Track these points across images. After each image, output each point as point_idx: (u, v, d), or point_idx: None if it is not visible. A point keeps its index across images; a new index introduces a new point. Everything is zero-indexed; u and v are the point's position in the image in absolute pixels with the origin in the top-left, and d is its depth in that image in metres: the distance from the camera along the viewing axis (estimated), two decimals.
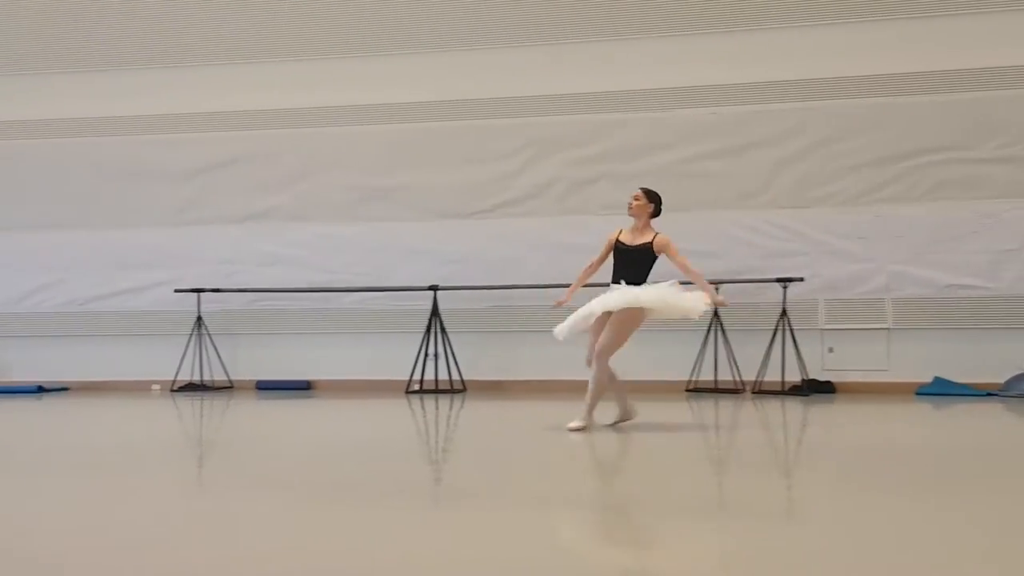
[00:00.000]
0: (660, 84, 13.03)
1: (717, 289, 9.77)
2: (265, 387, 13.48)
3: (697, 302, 8.44)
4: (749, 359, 12.33)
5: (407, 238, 13.43)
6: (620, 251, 8.57)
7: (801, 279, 12.27)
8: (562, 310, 8.90)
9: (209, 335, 13.50)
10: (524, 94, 13.35)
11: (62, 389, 13.91)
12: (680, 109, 12.98)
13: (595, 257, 8.81)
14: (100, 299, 14.04)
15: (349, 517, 5.16)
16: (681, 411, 10.69)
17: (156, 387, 13.69)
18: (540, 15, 13.30)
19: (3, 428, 10.19)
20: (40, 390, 13.74)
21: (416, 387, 12.68)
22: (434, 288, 12.89)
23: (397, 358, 13.00)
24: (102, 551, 4.52)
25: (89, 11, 14.15)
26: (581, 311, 8.48)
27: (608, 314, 8.36)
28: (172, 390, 13.41)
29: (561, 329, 8.64)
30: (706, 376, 12.45)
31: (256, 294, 13.65)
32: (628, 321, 8.34)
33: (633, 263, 8.48)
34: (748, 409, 10.69)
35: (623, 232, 8.66)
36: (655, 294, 8.34)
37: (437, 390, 12.62)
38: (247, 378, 13.67)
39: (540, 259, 13.05)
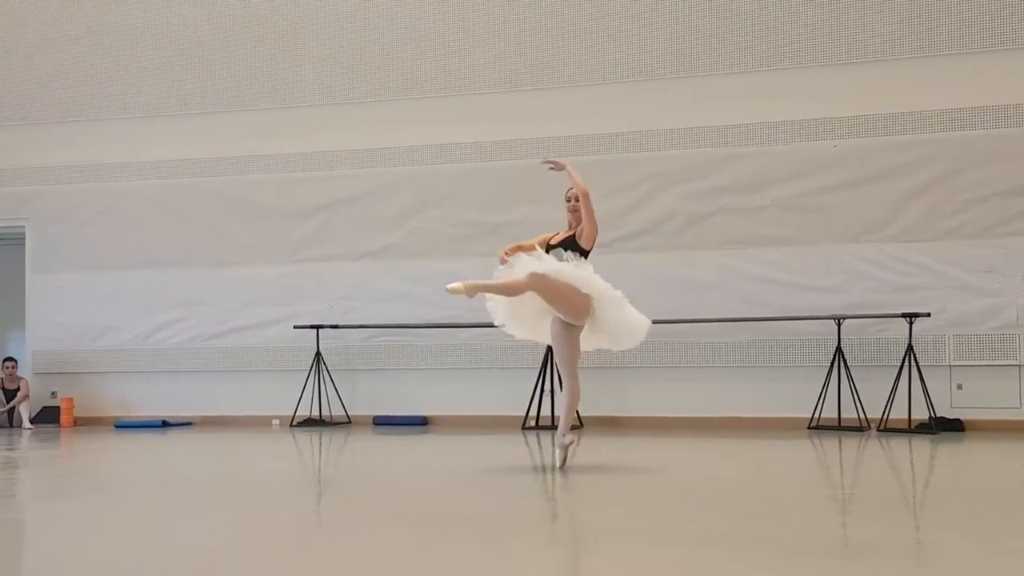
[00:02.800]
0: (779, 117, 12.84)
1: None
2: (382, 422, 13.54)
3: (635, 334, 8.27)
4: (874, 396, 11.99)
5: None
6: (549, 249, 8.30)
7: (927, 314, 11.90)
8: None
9: (327, 371, 13.63)
10: (639, 128, 13.26)
11: (186, 424, 14.16)
12: (800, 142, 12.76)
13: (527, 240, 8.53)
14: (222, 335, 14.30)
15: (468, 552, 5.09)
16: (804, 449, 10.42)
17: (276, 422, 13.86)
18: (657, 51, 13.22)
19: (129, 462, 10.40)
20: (164, 425, 14.01)
21: (532, 423, 12.60)
22: None
23: (513, 394, 12.96)
24: None
25: (211, 55, 14.50)
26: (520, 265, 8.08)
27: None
28: (291, 425, 13.55)
29: (497, 310, 8.48)
30: (829, 413, 12.13)
31: (373, 330, 13.75)
32: (573, 321, 8.15)
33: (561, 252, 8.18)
34: (874, 447, 10.37)
35: (555, 236, 8.40)
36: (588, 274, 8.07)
37: (554, 426, 12.50)
38: (364, 413, 13.75)
39: (655, 295, 12.88)
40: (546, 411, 12.64)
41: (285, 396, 13.69)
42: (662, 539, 5.45)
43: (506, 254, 8.28)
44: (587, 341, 8.44)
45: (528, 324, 8.47)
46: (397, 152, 13.93)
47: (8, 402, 14.50)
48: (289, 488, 7.99)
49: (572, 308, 8.08)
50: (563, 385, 8.30)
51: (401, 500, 7.05)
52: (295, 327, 13.77)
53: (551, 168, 8.54)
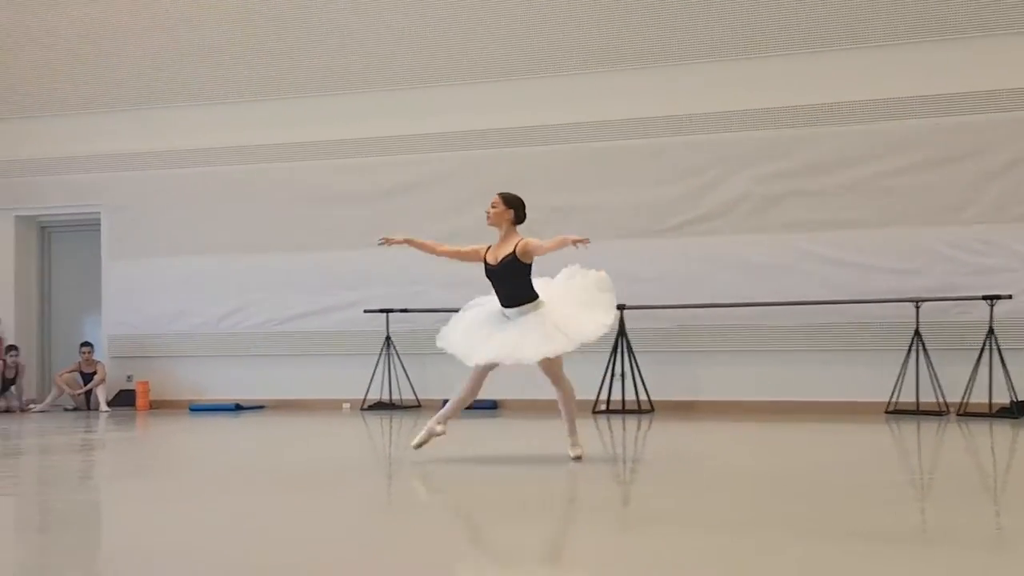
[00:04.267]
0: (854, 97, 12.58)
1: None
2: None
3: (596, 325, 7.80)
4: (953, 380, 11.72)
5: (602, 257, 13.25)
6: (489, 273, 7.75)
7: (1009, 296, 11.61)
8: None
9: (398, 354, 13.65)
10: (712, 110, 13.08)
11: (258, 407, 14.28)
12: (877, 122, 12.50)
13: (456, 247, 8.25)
14: (293, 319, 14.37)
15: (534, 536, 5.03)
16: (881, 434, 10.22)
17: (346, 406, 13.91)
18: (731, 32, 13.02)
19: (203, 444, 10.49)
20: (237, 408, 14.13)
21: (603, 407, 12.51)
22: (620, 307, 12.70)
23: (584, 377, 12.83)
24: (297, 567, 4.51)
25: (289, 41, 14.54)
26: (468, 342, 7.93)
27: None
28: (362, 408, 13.60)
29: (448, 339, 8.23)
30: (907, 397, 11.89)
31: (443, 314, 13.71)
32: (551, 363, 7.76)
33: (507, 283, 7.64)
34: (953, 432, 10.14)
35: (490, 249, 7.82)
36: (539, 341, 7.54)
37: (624, 410, 12.42)
38: (434, 397, 13.73)
39: (728, 278, 12.76)
40: (617, 395, 12.53)
41: (355, 380, 13.74)
42: (735, 524, 5.35)
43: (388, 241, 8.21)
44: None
45: (485, 344, 7.99)
46: (470, 136, 13.88)
47: (85, 386, 14.72)
48: (359, 471, 7.99)
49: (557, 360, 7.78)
50: (558, 390, 7.93)
51: (468, 484, 7.00)
52: (365, 311, 13.80)
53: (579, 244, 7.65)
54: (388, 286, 13.96)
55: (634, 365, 12.57)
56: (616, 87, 13.37)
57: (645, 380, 12.58)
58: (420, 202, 13.96)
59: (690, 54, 13.15)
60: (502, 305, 7.68)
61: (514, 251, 7.57)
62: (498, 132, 13.77)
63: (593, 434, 10.47)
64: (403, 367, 13.68)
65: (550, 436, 10.62)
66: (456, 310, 13.43)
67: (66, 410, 14.69)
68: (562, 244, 7.49)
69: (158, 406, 14.61)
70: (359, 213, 14.18)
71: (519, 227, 7.82)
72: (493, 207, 7.82)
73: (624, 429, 10.88)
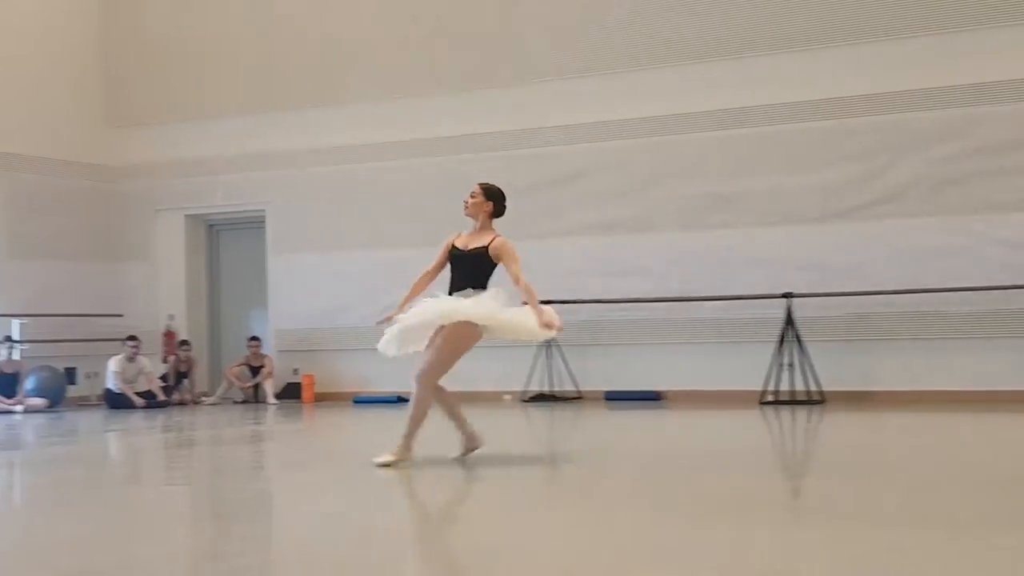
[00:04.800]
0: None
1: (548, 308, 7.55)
2: (614, 397, 13.34)
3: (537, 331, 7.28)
4: None
5: (758, 244, 12.96)
6: (454, 257, 7.34)
7: None
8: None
9: (558, 346, 13.53)
10: (881, 90, 12.59)
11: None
12: None
13: (431, 264, 7.53)
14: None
15: (703, 529, 4.84)
16: None
17: (507, 397, 13.86)
18: (897, 9, 12.52)
19: (368, 436, 10.55)
20: (399, 400, 14.20)
21: (771, 398, 12.16)
22: (788, 296, 12.34)
23: (750, 368, 12.54)
24: (460, 554, 4.43)
25: (440, 36, 14.57)
26: (407, 319, 7.25)
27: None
28: (523, 400, 13.53)
29: (387, 343, 7.42)
30: None
31: (604, 305, 13.57)
32: (459, 339, 7.13)
33: (468, 271, 7.24)
34: None
35: (460, 236, 7.44)
36: (488, 309, 7.08)
37: (793, 401, 12.05)
38: (596, 388, 13.59)
39: (902, 263, 12.26)
40: (784, 386, 12.16)
41: (516, 371, 13.66)
42: (912, 519, 5.06)
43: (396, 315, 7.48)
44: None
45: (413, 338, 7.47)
46: (628, 124, 13.66)
47: (254, 379, 15.03)
48: (518, 463, 7.90)
49: (466, 343, 7.30)
50: (417, 390, 7.34)
51: (634, 476, 6.83)
52: (524, 303, 13.69)
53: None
54: (546, 277, 13.82)
55: (803, 354, 12.18)
56: (780, 70, 12.98)
57: (815, 369, 12.16)
58: (579, 192, 13.82)
59: (854, 34, 12.68)
60: (450, 292, 7.29)
61: (487, 246, 7.27)
62: (660, 120, 13.50)
63: (760, 426, 10.17)
64: (563, 358, 13.55)
65: (714, 427, 10.37)
66: (616, 301, 13.37)
67: (235, 403, 15.03)
68: (533, 305, 7.21)
69: (323, 398, 14.82)
70: (518, 205, 14.04)
71: (497, 221, 7.52)
72: (472, 197, 7.49)
73: (794, 420, 10.54)
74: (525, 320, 7.22)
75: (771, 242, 12.91)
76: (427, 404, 7.25)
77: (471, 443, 7.42)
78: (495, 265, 7.29)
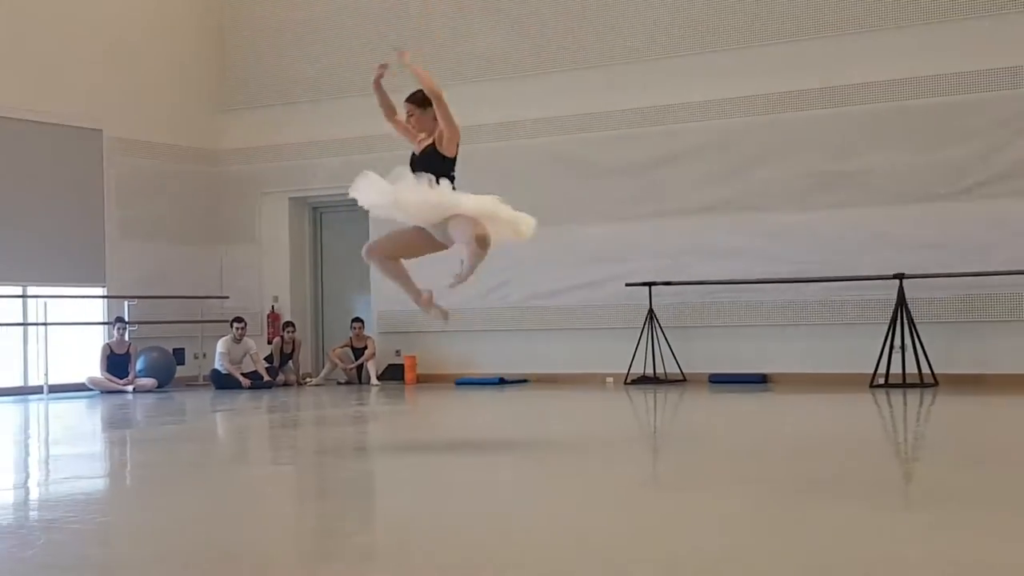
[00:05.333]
0: None
1: None
2: (719, 380, 13.16)
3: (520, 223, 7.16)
4: None
5: (868, 224, 12.65)
6: (411, 164, 7.11)
7: None
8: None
9: (661, 328, 13.38)
10: (996, 66, 12.17)
11: (522, 381, 14.31)
12: None
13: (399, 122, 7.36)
14: (556, 294, 14.31)
15: (815, 515, 4.69)
16: None
17: (610, 380, 13.75)
18: None
19: (469, 418, 10.55)
20: (501, 382, 14.21)
21: (881, 381, 11.86)
22: (899, 276, 12.02)
23: (860, 351, 12.26)
24: (559, 542, 4.36)
25: (550, 16, 14.47)
26: (393, 195, 6.96)
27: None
28: (625, 383, 13.41)
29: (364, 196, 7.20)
30: None
31: (708, 286, 13.38)
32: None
33: (428, 168, 6.99)
34: None
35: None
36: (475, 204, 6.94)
37: (905, 384, 11.74)
38: (701, 371, 13.42)
39: (1018, 243, 11.87)
40: (895, 368, 11.86)
41: (619, 354, 13.55)
42: (1005, 503, 4.86)
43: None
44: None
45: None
46: (735, 103, 13.41)
47: (357, 360, 15.14)
48: (625, 446, 7.81)
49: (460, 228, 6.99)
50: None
51: (738, 459, 6.69)
52: (627, 284, 13.59)
53: (397, 58, 7.28)
54: (651, 259, 13.69)
55: (915, 336, 11.86)
56: (891, 46, 12.64)
57: (928, 352, 11.84)
58: (684, 172, 13.63)
59: (979, 9, 12.28)
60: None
61: (432, 140, 7.12)
62: (766, 98, 13.25)
63: (871, 410, 9.92)
64: (667, 341, 13.40)
65: (823, 411, 10.15)
66: (722, 282, 13.17)
67: (339, 384, 15.16)
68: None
69: (425, 380, 14.87)
70: (621, 185, 13.97)
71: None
72: (410, 115, 7.28)
73: (905, 404, 10.27)
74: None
75: (882, 222, 12.59)
76: (390, 267, 7.20)
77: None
78: (453, 161, 7.21)
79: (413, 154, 7.20)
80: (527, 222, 7.34)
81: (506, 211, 7.20)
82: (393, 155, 15.04)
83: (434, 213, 6.94)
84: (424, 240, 7.05)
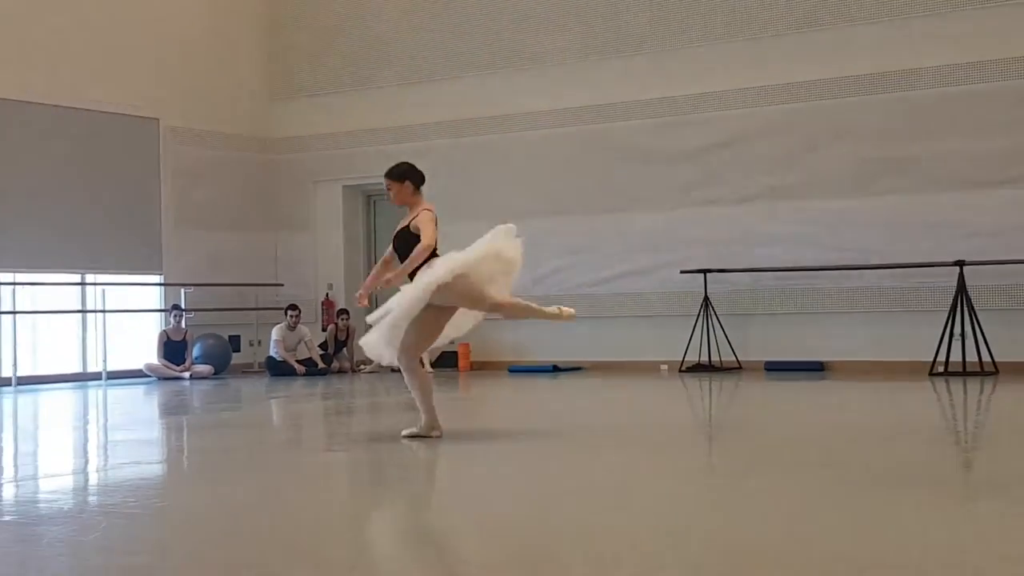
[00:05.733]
0: None
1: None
2: (775, 368, 13.04)
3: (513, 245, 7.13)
4: None
5: (927, 211, 12.47)
6: (394, 240, 7.02)
7: None
8: None
9: (716, 316, 13.29)
10: None
11: (576, 369, 14.27)
12: None
13: (388, 250, 7.18)
14: (610, 281, 14.25)
15: (876, 503, 4.62)
16: None
17: (664, 367, 13.68)
18: None
19: (523, 405, 10.53)
20: (555, 369, 14.18)
21: (940, 369, 11.70)
22: (960, 263, 11.83)
23: (918, 338, 12.10)
24: (622, 528, 4.33)
25: (593, 1, 14.42)
26: (375, 330, 6.86)
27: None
28: (680, 370, 13.33)
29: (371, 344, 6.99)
30: None
31: (763, 273, 13.26)
32: (419, 321, 6.77)
33: (402, 252, 6.89)
34: None
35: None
36: (413, 294, 6.66)
37: (965, 372, 11.57)
38: (756, 359, 13.31)
39: None
40: (955, 356, 11.68)
41: (673, 341, 13.48)
42: None
43: (364, 294, 7.25)
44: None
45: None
46: (787, 88, 13.27)
47: None
48: (680, 433, 7.76)
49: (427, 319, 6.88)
50: (404, 373, 6.94)
51: (796, 448, 6.62)
52: (682, 272, 13.51)
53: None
54: (706, 246, 13.59)
55: (975, 324, 11.68)
56: (955, 30, 12.44)
57: (988, 339, 11.65)
58: (736, 159, 13.51)
59: None
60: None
61: (410, 224, 6.92)
62: (819, 83, 13.08)
63: (931, 398, 9.78)
64: (722, 328, 13.30)
65: (881, 398, 10.02)
66: (778, 269, 13.03)
67: (393, 371, 15.11)
68: (403, 270, 6.90)
69: (478, 367, 14.88)
70: (674, 172, 13.87)
71: (424, 189, 7.19)
72: (388, 190, 7.10)
73: (965, 392, 10.11)
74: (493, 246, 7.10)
75: (941, 208, 12.41)
76: (419, 378, 6.93)
77: (428, 430, 6.97)
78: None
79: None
80: (513, 249, 7.32)
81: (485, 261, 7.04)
82: (449, 142, 15.20)
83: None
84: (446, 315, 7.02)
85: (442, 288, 6.67)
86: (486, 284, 6.96)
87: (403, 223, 7.01)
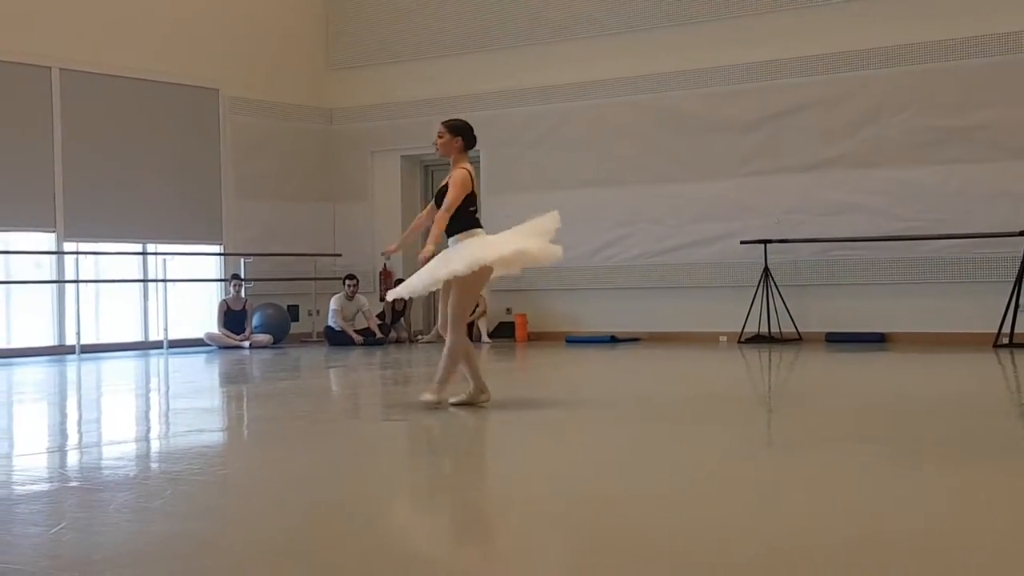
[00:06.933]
0: None
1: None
2: (835, 339, 12.92)
3: (547, 249, 7.14)
4: None
5: (989, 180, 12.27)
6: (436, 199, 7.14)
7: None
8: None
9: (776, 286, 13.17)
10: None
11: (633, 339, 14.23)
12: None
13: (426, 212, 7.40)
14: (667, 252, 14.17)
15: (937, 477, 4.56)
16: None
17: (723, 339, 13.60)
18: None
19: (580, 375, 10.52)
20: (612, 340, 14.15)
21: (1005, 341, 11.52)
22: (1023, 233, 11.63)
23: (983, 309, 11.93)
24: (674, 500, 4.31)
25: None
26: (421, 275, 7.01)
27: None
28: (739, 342, 13.25)
29: (399, 291, 7.27)
30: None
31: (825, 244, 13.11)
32: (468, 282, 6.91)
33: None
34: None
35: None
36: (475, 254, 6.81)
37: None
38: (816, 330, 13.19)
39: None
40: (1021, 328, 11.50)
41: (732, 312, 13.40)
42: None
43: (391, 251, 7.75)
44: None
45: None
46: (849, 56, 13.08)
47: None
48: (738, 405, 7.71)
49: (477, 283, 7.06)
50: (448, 338, 7.04)
51: (858, 419, 6.55)
52: (742, 242, 13.40)
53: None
54: (766, 216, 13.47)
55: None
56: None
57: None
58: (798, 128, 13.36)
59: None
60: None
61: (447, 182, 7.03)
62: (881, 51, 12.90)
63: (995, 370, 9.64)
64: (782, 299, 13.18)
65: (945, 370, 9.89)
66: (839, 240, 12.88)
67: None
68: (432, 237, 7.06)
69: (536, 338, 14.88)
70: (734, 141, 13.74)
71: (484, 159, 7.24)
72: (439, 137, 7.15)
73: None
74: (533, 247, 7.12)
75: (1004, 177, 12.20)
76: (461, 348, 7.05)
77: (473, 396, 7.14)
78: (467, 196, 7.03)
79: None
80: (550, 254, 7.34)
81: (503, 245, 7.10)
82: (505, 112, 15.15)
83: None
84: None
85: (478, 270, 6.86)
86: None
87: (445, 180, 7.13)
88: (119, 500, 4.42)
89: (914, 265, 12.72)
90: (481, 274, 6.95)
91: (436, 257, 6.99)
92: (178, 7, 14.93)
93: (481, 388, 7.16)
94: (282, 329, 15.23)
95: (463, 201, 7.00)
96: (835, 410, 7.05)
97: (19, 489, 4.74)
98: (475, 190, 7.08)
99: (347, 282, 15.01)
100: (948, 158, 12.50)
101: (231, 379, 10.53)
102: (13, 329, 13.62)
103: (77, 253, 13.84)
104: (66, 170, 13.79)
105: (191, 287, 15.23)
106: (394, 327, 15.43)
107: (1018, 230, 11.69)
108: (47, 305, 13.78)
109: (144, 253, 14.76)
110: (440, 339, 7.44)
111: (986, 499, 4.13)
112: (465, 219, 7.04)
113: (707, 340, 13.66)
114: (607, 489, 4.45)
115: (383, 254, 8.18)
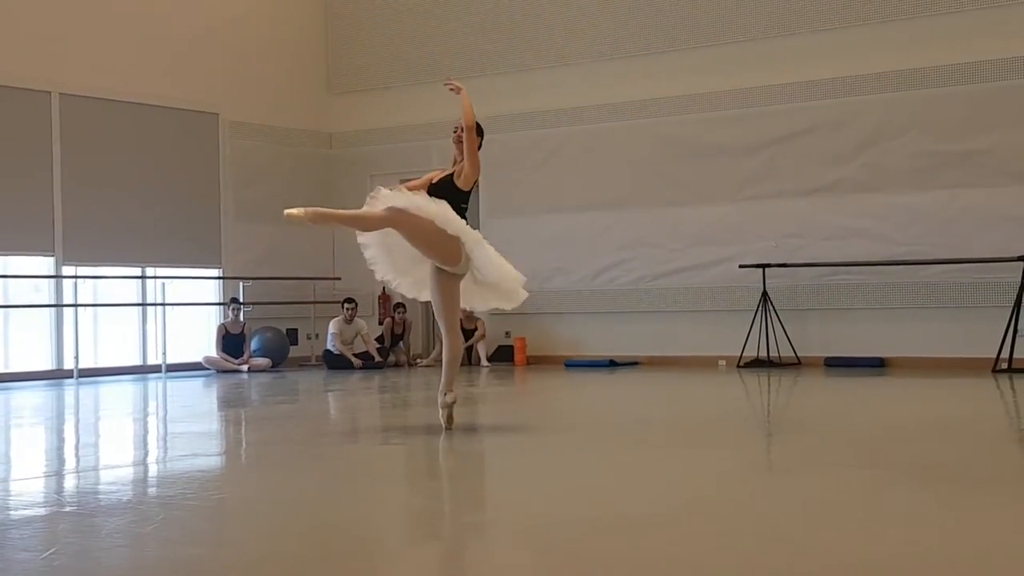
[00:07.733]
0: None
1: None
2: (834, 364, 12.90)
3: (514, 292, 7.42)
4: None
5: (988, 205, 12.27)
6: (430, 192, 7.07)
7: None
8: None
9: (775, 310, 13.16)
10: None
11: (632, 363, 14.20)
12: None
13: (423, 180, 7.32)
14: (667, 275, 14.17)
15: (935, 501, 4.54)
16: None
17: (722, 363, 13.58)
18: None
19: (579, 399, 10.50)
20: (612, 364, 14.12)
21: (1004, 366, 11.50)
22: (1023, 258, 11.62)
23: (981, 334, 11.91)
24: (672, 524, 4.29)
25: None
26: (406, 197, 6.92)
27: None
28: (738, 366, 13.22)
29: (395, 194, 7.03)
30: None
31: (824, 268, 13.11)
32: (443, 282, 7.05)
33: (441, 196, 6.98)
34: None
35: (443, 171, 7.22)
36: (475, 235, 6.95)
37: (1011, 370, 11.37)
38: (816, 354, 13.17)
39: None
40: (1020, 353, 11.48)
41: (731, 337, 13.38)
42: None
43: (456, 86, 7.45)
44: (473, 298, 7.43)
45: (408, 275, 7.46)
46: (848, 81, 13.11)
47: (467, 341, 15.17)
48: (737, 429, 7.69)
49: (440, 249, 6.95)
50: (443, 340, 7.19)
51: (857, 444, 6.52)
52: (740, 266, 13.40)
53: (450, 89, 7.39)
54: (765, 240, 13.47)
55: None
56: (1013, 23, 12.23)
57: None
58: (797, 152, 13.38)
59: None
60: None
61: (453, 172, 7.14)
62: (879, 77, 12.92)
63: (993, 395, 9.62)
64: (781, 323, 13.17)
65: (943, 395, 9.87)
66: (837, 264, 12.88)
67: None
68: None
69: (535, 361, 14.86)
70: (733, 165, 13.76)
71: (481, 182, 7.33)
72: (459, 132, 7.26)
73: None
74: (505, 269, 7.31)
75: (1003, 202, 12.21)
76: (458, 345, 7.23)
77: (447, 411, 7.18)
78: (466, 194, 7.15)
79: (432, 183, 7.23)
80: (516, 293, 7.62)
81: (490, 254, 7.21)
82: (504, 137, 15.17)
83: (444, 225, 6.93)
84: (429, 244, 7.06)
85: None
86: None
87: (449, 171, 7.19)
88: (112, 525, 4.40)
89: (913, 290, 12.71)
90: (455, 249, 6.90)
91: (444, 206, 6.90)
92: (178, 32, 14.98)
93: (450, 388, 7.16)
94: (281, 353, 15.21)
95: (460, 193, 7.06)
96: (834, 435, 7.03)
97: (13, 514, 4.72)
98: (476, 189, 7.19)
99: (346, 305, 15.01)
100: (947, 183, 12.51)
101: (229, 403, 10.51)
102: (11, 353, 13.61)
103: (76, 277, 13.84)
104: (65, 194, 13.81)
105: (190, 311, 15.22)
106: (393, 351, 15.41)
107: (1017, 255, 11.68)
108: (45, 329, 13.77)
109: (143, 277, 14.75)
110: (437, 363, 7.50)
111: (986, 525, 4.11)
112: (465, 208, 7.14)
113: (706, 364, 13.64)
114: (606, 513, 4.43)
115: (447, 85, 7.54)
